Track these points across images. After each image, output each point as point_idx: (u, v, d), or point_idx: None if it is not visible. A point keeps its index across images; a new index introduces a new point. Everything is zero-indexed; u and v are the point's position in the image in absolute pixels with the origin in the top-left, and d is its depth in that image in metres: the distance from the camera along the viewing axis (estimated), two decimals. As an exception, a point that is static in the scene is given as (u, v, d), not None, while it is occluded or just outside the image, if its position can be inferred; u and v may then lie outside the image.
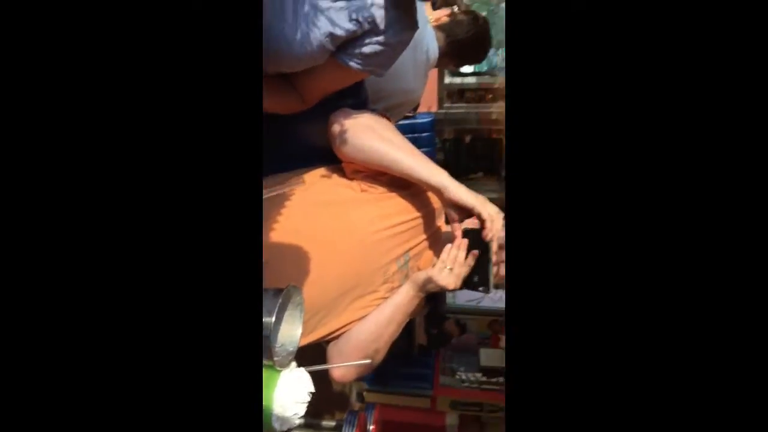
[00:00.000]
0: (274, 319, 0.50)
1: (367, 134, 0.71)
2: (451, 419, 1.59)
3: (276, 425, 0.52)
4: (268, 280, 0.47)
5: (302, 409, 0.54)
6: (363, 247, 0.71)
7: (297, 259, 0.67)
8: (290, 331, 0.55)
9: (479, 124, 1.85)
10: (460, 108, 1.87)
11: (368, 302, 0.72)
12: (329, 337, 0.72)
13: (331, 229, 0.71)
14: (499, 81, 1.76)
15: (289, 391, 0.52)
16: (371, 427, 1.48)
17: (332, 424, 1.43)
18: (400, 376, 1.96)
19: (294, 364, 0.55)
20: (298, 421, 0.54)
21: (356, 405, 1.73)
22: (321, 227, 0.71)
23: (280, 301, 0.50)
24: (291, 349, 0.55)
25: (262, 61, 0.33)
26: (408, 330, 1.86)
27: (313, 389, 0.55)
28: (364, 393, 2.06)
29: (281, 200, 0.71)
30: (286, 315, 0.55)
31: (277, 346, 0.52)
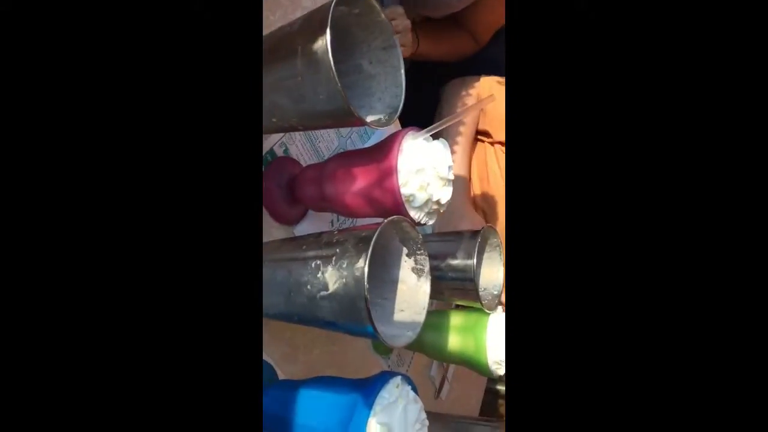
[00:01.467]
0: (475, 261, 0.48)
1: None
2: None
3: (492, 368, 0.51)
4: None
5: (517, 353, 0.51)
6: None
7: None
8: (492, 275, 0.53)
9: None
10: None
11: None
12: None
13: None
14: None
15: (502, 334, 0.50)
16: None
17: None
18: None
19: (501, 307, 0.53)
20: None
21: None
22: None
23: (478, 241, 0.48)
24: (495, 292, 0.53)
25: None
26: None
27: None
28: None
29: None
30: (485, 258, 0.53)
31: (480, 290, 0.50)
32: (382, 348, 0.56)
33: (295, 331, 0.49)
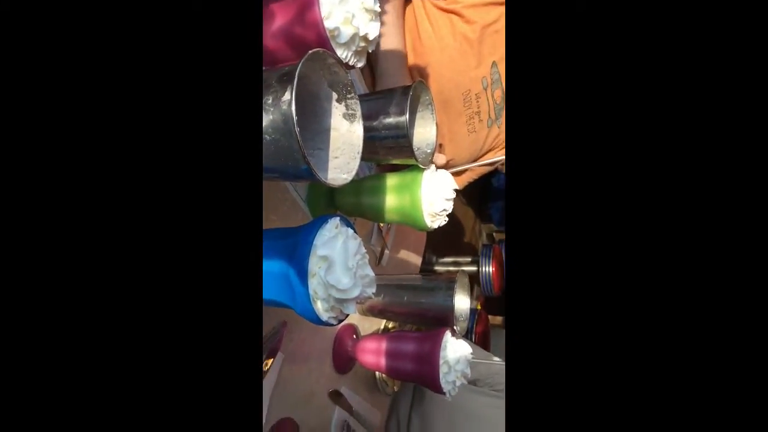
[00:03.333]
0: (407, 117, 0.48)
1: None
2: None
3: (428, 222, 0.53)
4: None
5: (449, 206, 0.54)
6: None
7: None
8: (425, 134, 0.54)
9: None
10: None
11: None
12: None
13: None
14: None
15: (435, 189, 0.52)
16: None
17: (469, 259, 1.50)
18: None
19: (434, 166, 0.55)
20: (446, 219, 0.55)
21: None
22: None
23: (410, 96, 0.48)
24: (429, 150, 0.54)
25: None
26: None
27: (457, 187, 0.54)
28: (494, 233, 2.12)
29: None
30: (418, 117, 0.53)
31: (414, 148, 0.51)
32: (319, 209, 0.57)
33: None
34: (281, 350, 0.49)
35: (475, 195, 2.00)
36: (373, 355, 0.56)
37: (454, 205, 0.55)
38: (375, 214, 0.56)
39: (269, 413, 0.48)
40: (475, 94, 0.71)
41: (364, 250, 0.36)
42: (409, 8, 0.70)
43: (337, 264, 0.33)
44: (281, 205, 0.53)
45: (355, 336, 0.61)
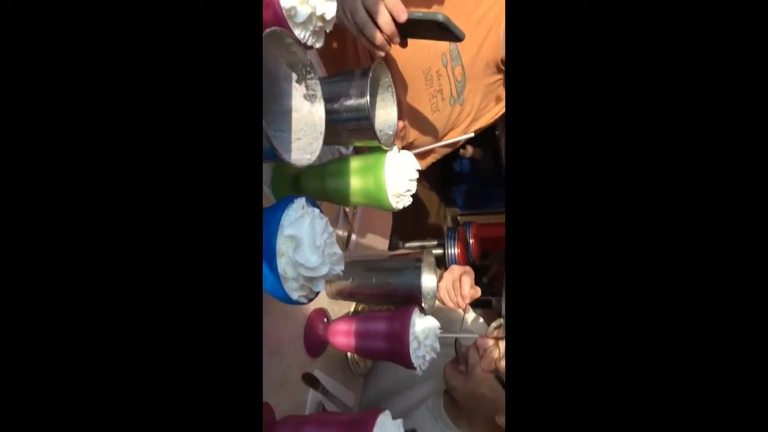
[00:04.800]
0: (368, 99, 0.48)
1: None
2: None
3: (393, 202, 0.54)
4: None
5: (413, 186, 0.55)
6: None
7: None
8: (386, 116, 0.54)
9: None
10: None
11: None
12: None
13: None
14: None
15: (398, 170, 0.53)
16: (471, 241, 1.57)
17: (434, 242, 1.53)
18: (490, 197, 2.01)
19: (397, 147, 0.55)
20: (410, 199, 0.56)
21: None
22: None
23: (369, 77, 0.48)
24: (391, 132, 0.54)
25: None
26: (494, 152, 1.84)
27: (420, 167, 0.55)
28: (458, 217, 2.17)
29: None
30: (378, 99, 0.54)
31: (377, 130, 0.51)
32: (284, 194, 0.57)
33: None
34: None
35: (438, 180, 2.03)
36: (344, 336, 0.57)
37: (418, 189, 0.56)
38: (340, 197, 0.56)
39: (243, 399, 0.48)
40: (436, 71, 0.71)
41: (331, 229, 0.36)
42: None
43: (305, 243, 0.33)
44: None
45: (326, 319, 0.62)
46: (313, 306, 0.61)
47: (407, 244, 1.48)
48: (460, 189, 2.02)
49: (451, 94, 0.74)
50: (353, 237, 0.76)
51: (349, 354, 0.69)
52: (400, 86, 0.72)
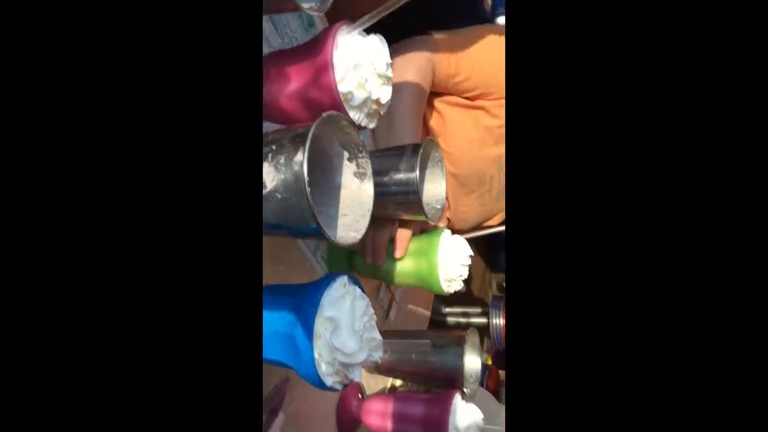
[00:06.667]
0: (417, 174, 0.48)
1: None
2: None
3: (444, 286, 0.53)
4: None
5: (465, 272, 0.54)
6: None
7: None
8: (434, 189, 0.54)
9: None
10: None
11: None
12: None
13: None
14: None
15: (452, 254, 0.52)
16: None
17: (479, 310, 1.46)
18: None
19: (449, 231, 0.55)
20: (462, 284, 0.54)
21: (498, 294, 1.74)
22: None
23: (420, 154, 0.48)
24: (439, 206, 0.54)
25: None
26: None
27: (471, 253, 0.54)
28: (504, 284, 2.08)
29: None
30: (428, 173, 0.54)
31: (424, 204, 0.51)
32: (334, 266, 0.57)
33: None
34: (282, 410, 0.47)
35: (484, 244, 1.98)
36: (379, 417, 0.53)
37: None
38: (391, 277, 0.56)
39: (267, 480, 0.45)
40: (490, 176, 0.76)
41: (372, 311, 0.35)
42: (436, 99, 0.74)
43: (344, 326, 0.32)
44: (289, 256, 0.52)
45: (360, 395, 0.59)
46: (348, 380, 0.58)
47: (450, 310, 1.43)
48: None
49: (499, 192, 0.78)
50: (395, 305, 0.73)
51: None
52: (453, 183, 0.76)
